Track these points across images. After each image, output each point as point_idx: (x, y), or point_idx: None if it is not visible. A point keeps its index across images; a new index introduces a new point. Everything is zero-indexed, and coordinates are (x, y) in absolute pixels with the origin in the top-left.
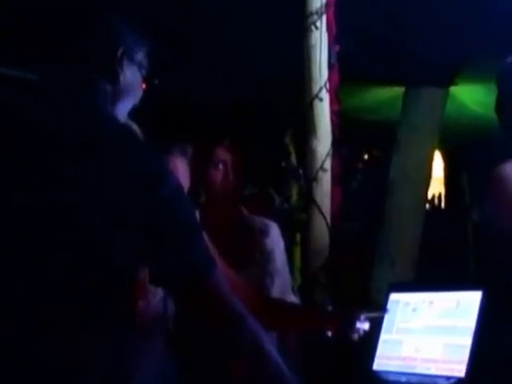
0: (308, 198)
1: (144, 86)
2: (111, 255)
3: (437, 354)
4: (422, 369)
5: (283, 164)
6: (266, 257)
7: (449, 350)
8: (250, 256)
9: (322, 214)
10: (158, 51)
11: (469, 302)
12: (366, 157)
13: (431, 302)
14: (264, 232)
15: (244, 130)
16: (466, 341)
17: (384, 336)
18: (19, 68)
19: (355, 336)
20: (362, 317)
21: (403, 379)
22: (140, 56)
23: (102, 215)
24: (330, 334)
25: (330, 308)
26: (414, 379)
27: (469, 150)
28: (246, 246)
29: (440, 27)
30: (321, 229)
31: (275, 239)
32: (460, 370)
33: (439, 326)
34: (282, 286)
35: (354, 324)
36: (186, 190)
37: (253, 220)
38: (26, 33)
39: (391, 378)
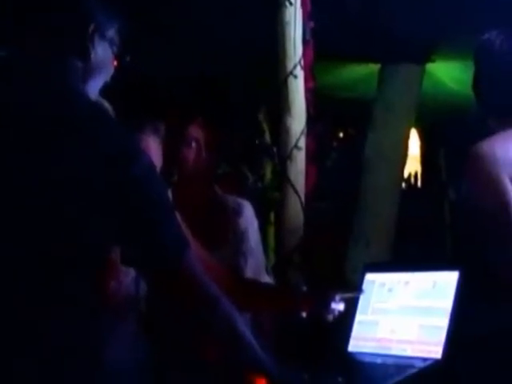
0: (282, 177)
1: (115, 63)
2: (82, 233)
3: (413, 335)
4: (397, 350)
5: (257, 142)
6: (239, 236)
7: (425, 331)
8: (223, 236)
9: (297, 192)
10: (129, 27)
11: (445, 282)
12: (340, 135)
13: (407, 283)
14: (237, 211)
15: (217, 107)
16: (443, 322)
17: (359, 317)
18: None
19: (330, 317)
20: (337, 297)
21: (379, 360)
22: (111, 33)
23: (72, 193)
24: (304, 314)
25: (304, 288)
26: (389, 361)
27: (445, 128)
28: (219, 226)
29: (416, 3)
30: (295, 208)
31: (249, 219)
32: (436, 352)
33: (415, 306)
34: (256, 266)
35: (329, 305)
36: (158, 168)
37: (226, 199)
38: None
39: (366, 359)
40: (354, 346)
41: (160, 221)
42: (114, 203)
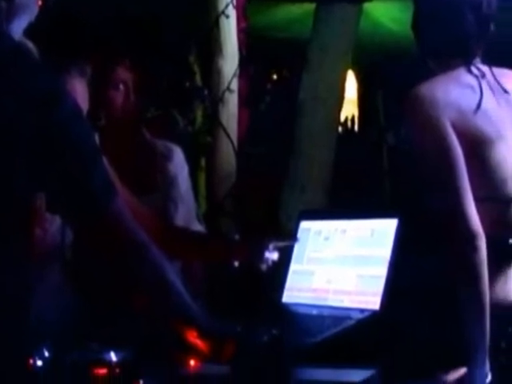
0: (213, 120)
1: (40, 2)
2: (6, 179)
3: (350, 286)
4: (334, 301)
5: (187, 84)
6: (168, 182)
7: (363, 281)
8: (152, 181)
9: (229, 137)
10: None
11: (384, 230)
12: (274, 77)
13: (344, 231)
14: (167, 156)
15: (145, 49)
16: (381, 271)
17: (294, 266)
18: None
19: (263, 266)
20: (271, 246)
21: (314, 312)
22: None
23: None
24: (236, 264)
25: (236, 237)
26: (326, 312)
27: (384, 69)
28: (148, 171)
29: None
30: (227, 153)
31: (179, 164)
32: (375, 303)
33: (352, 255)
34: (187, 213)
35: (262, 253)
36: (85, 112)
37: (155, 144)
38: None
39: (302, 310)
40: (289, 296)
41: (86, 166)
42: (38, 148)
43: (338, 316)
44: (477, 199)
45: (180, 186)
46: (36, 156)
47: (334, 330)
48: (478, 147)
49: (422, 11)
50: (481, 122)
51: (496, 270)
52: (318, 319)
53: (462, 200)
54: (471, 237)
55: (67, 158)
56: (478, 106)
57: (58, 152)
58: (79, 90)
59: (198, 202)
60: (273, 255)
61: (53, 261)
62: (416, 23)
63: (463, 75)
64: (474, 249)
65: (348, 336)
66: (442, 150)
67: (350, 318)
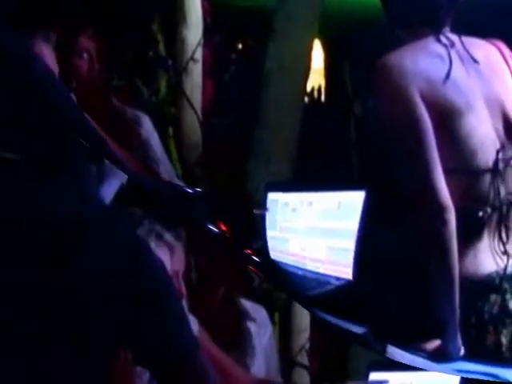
0: (177, 91)
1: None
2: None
3: (322, 256)
4: (312, 267)
5: (150, 54)
6: (143, 144)
7: (334, 253)
8: (127, 142)
9: (193, 107)
10: None
11: (351, 202)
12: (239, 47)
13: (310, 203)
14: (137, 122)
15: (107, 17)
16: (350, 244)
17: (269, 232)
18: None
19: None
20: None
21: (300, 272)
22: None
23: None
24: None
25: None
26: (308, 274)
27: (351, 39)
28: (121, 134)
29: None
30: (192, 123)
31: (149, 130)
32: (347, 273)
33: (320, 227)
34: (168, 172)
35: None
36: (181, 272)
37: (124, 110)
38: None
39: (289, 268)
40: (273, 256)
41: (169, 322)
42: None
43: (319, 280)
44: (446, 171)
45: (155, 148)
46: (123, 312)
47: (319, 290)
48: (447, 118)
49: None
50: (450, 92)
51: (465, 244)
52: (304, 279)
53: (430, 172)
54: (440, 210)
55: (156, 316)
56: (447, 75)
57: (146, 309)
58: (47, 55)
59: (173, 165)
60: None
61: None
62: None
63: (432, 44)
64: (444, 222)
65: (330, 298)
66: (411, 120)
67: (329, 283)
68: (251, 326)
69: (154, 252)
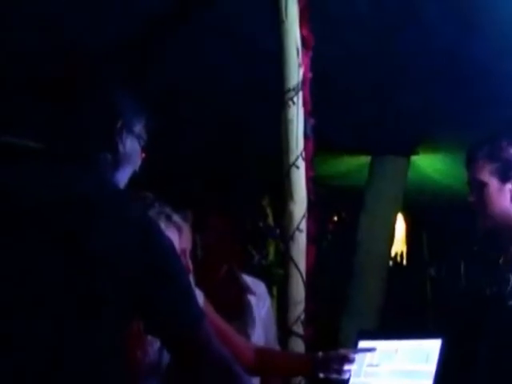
0: (286, 256)
1: (143, 154)
2: (108, 305)
3: None
4: None
5: (261, 225)
6: (249, 311)
7: None
8: (238, 310)
9: (299, 269)
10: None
11: (430, 348)
12: (335, 219)
13: (396, 349)
14: (251, 289)
15: (229, 198)
16: (428, 383)
17: (353, 379)
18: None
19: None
20: (351, 355)
21: None
22: (139, 128)
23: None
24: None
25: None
26: None
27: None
28: (235, 302)
29: (401, 103)
30: (297, 283)
31: (261, 296)
32: None
33: (403, 370)
34: (264, 336)
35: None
36: (188, 250)
37: (243, 278)
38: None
39: None
40: None
41: (179, 293)
42: (139, 277)
43: None
44: None
45: (255, 313)
46: (137, 284)
47: None
48: None
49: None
50: None
51: None
52: None
53: None
54: None
55: (164, 287)
56: None
57: (156, 282)
58: (185, 233)
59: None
60: (350, 366)
61: (152, 379)
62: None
63: None
64: None
65: None
66: None
67: None
68: (251, 298)
69: (163, 231)
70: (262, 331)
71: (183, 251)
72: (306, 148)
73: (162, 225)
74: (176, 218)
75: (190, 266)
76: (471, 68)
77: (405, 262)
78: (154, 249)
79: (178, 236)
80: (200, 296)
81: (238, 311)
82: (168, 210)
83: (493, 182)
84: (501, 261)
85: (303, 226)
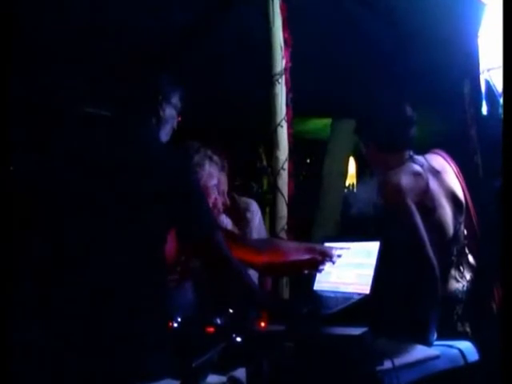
0: (274, 186)
1: (179, 118)
2: (152, 221)
3: (352, 280)
4: (343, 289)
5: (258, 165)
6: (248, 220)
7: (360, 278)
8: (238, 220)
9: (283, 195)
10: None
11: (371, 247)
12: (308, 161)
13: (348, 248)
14: (246, 207)
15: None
16: (370, 272)
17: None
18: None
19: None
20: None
21: (332, 295)
22: (175, 99)
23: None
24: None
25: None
26: (338, 295)
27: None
28: (236, 215)
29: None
30: (282, 204)
31: (254, 211)
32: (367, 289)
33: (353, 262)
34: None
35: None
36: (226, 190)
37: (240, 200)
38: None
39: (324, 294)
40: (317, 286)
41: (200, 208)
42: (174, 198)
43: (346, 297)
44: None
45: (253, 223)
46: (171, 203)
47: (343, 305)
48: (428, 213)
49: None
50: (429, 198)
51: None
52: (334, 299)
53: (424, 242)
54: (430, 263)
55: (191, 204)
56: (427, 186)
57: (185, 200)
58: (222, 179)
59: (267, 230)
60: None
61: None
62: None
63: (413, 166)
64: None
65: (351, 308)
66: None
67: (352, 298)
68: (248, 214)
69: (195, 175)
70: (256, 235)
71: (222, 192)
72: (287, 113)
73: (207, 164)
74: (216, 158)
75: (228, 203)
76: None
77: (355, 190)
78: (186, 182)
79: (218, 170)
80: (229, 223)
81: (241, 224)
82: (209, 152)
83: None
84: None
85: (286, 166)
